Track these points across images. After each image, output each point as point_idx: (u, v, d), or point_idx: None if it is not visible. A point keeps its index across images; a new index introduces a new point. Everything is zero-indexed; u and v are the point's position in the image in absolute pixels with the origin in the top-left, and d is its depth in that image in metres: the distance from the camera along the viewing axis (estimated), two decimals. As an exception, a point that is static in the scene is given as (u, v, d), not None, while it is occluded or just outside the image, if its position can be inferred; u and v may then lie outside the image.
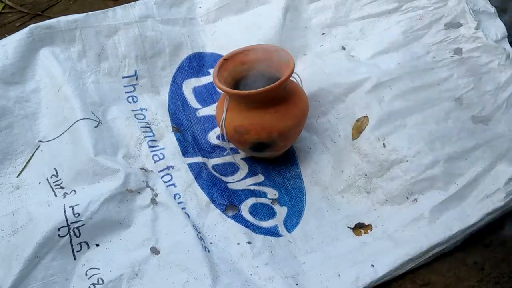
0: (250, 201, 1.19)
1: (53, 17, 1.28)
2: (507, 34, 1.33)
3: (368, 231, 1.12)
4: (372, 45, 1.33)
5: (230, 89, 1.12)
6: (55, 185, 1.11)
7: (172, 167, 1.20)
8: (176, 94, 1.33)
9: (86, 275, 0.99)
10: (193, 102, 1.33)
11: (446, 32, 1.31)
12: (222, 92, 1.18)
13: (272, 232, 1.14)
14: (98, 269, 1.00)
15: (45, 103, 1.21)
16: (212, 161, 1.24)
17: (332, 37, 1.38)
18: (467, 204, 1.10)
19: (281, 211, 1.18)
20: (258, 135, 1.14)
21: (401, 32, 1.33)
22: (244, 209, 1.17)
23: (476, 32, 1.29)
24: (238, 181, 1.22)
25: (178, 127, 1.28)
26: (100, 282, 0.98)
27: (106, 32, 1.29)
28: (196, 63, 1.37)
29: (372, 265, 1.04)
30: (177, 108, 1.31)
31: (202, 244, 1.06)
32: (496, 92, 1.24)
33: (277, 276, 1.03)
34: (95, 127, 1.17)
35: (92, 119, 1.18)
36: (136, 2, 1.36)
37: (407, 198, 1.13)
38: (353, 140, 1.21)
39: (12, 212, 1.03)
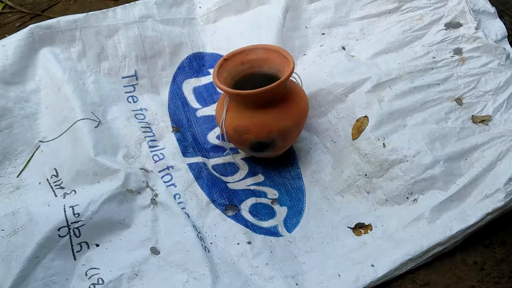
0: (250, 201, 1.19)
1: (53, 17, 1.28)
2: (507, 34, 1.33)
3: (368, 231, 1.12)
4: (372, 45, 1.33)
5: (230, 89, 1.12)
6: (55, 185, 1.11)
7: (172, 167, 1.20)
8: (176, 94, 1.33)
9: (86, 275, 0.99)
10: (193, 102, 1.33)
11: (446, 32, 1.31)
12: (222, 92, 1.18)
13: (272, 232, 1.14)
14: (98, 269, 1.00)
15: (45, 103, 1.21)
16: (212, 161, 1.24)
17: (332, 37, 1.38)
18: (467, 204, 1.10)
19: (281, 211, 1.18)
20: (258, 135, 1.14)
21: (401, 32, 1.33)
22: (244, 209, 1.17)
23: (476, 32, 1.29)
24: (238, 181, 1.22)
25: (178, 127, 1.28)
26: (100, 282, 0.98)
27: (106, 32, 1.29)
28: (196, 63, 1.37)
29: (372, 265, 1.04)
30: (177, 108, 1.31)
31: (202, 244, 1.06)
32: (496, 92, 1.24)
33: (277, 276, 1.03)
34: (95, 127, 1.17)
35: (92, 119, 1.18)
36: (136, 2, 1.36)
37: (407, 198, 1.13)
38: (353, 140, 1.21)
39: (12, 212, 1.03)
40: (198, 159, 1.22)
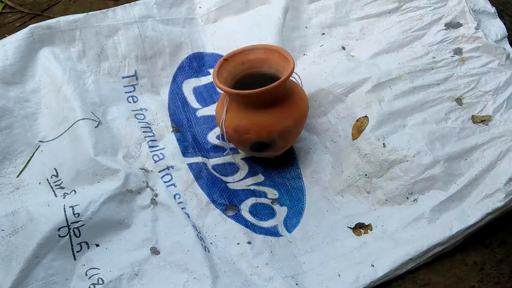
0: (250, 201, 1.19)
1: (53, 17, 1.28)
2: (507, 34, 1.33)
3: (368, 231, 1.12)
4: (372, 45, 1.33)
5: (230, 89, 1.12)
6: (55, 185, 1.11)
7: (172, 167, 1.20)
8: (176, 94, 1.33)
9: (86, 275, 0.99)
10: (193, 102, 1.33)
11: (446, 32, 1.31)
12: (222, 92, 1.18)
13: (272, 232, 1.14)
14: (98, 269, 1.00)
15: (45, 103, 1.21)
16: (212, 161, 1.24)
17: (332, 37, 1.38)
18: (467, 204, 1.10)
19: (281, 211, 1.18)
20: (258, 135, 1.14)
21: (401, 32, 1.33)
22: (244, 209, 1.17)
23: (476, 32, 1.29)
24: (238, 181, 1.22)
25: (178, 127, 1.28)
26: (100, 282, 0.98)
27: (106, 32, 1.29)
28: (196, 63, 1.37)
29: (372, 265, 1.04)
30: (177, 108, 1.31)
31: (202, 244, 1.06)
32: (496, 92, 1.24)
33: (277, 276, 1.03)
34: (95, 127, 1.17)
35: (92, 119, 1.18)
36: (136, 2, 1.36)
37: (407, 198, 1.13)
38: (353, 140, 1.21)
39: (12, 212, 1.03)
40: (198, 159, 1.22)
